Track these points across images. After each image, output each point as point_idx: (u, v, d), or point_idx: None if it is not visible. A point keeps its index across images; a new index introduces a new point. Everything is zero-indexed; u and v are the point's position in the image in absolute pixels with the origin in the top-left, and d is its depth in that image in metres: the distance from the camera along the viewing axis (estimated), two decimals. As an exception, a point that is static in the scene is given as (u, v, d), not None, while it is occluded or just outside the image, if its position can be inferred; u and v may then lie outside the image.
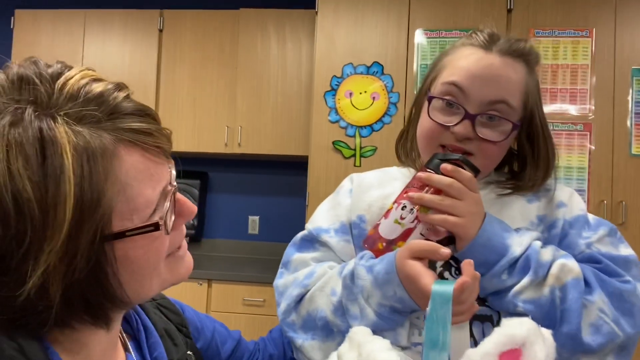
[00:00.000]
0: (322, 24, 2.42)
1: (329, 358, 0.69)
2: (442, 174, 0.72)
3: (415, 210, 0.72)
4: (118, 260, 0.45)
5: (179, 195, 0.53)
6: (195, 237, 3.06)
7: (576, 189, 2.27)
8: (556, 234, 0.76)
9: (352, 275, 0.73)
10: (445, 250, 0.65)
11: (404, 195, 0.74)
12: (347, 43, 2.41)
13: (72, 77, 0.46)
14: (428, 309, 0.57)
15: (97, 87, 0.47)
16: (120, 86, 0.49)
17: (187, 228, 2.48)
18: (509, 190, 0.79)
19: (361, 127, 2.37)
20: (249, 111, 2.78)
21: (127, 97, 0.49)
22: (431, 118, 0.77)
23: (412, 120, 0.87)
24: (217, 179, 3.19)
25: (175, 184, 0.52)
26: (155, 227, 0.46)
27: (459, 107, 0.75)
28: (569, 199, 0.80)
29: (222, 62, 2.81)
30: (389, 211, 0.75)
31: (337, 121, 2.39)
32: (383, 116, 2.36)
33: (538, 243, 0.72)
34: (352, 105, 2.38)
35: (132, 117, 0.47)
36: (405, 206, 0.73)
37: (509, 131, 0.76)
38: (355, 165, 2.37)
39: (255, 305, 2.47)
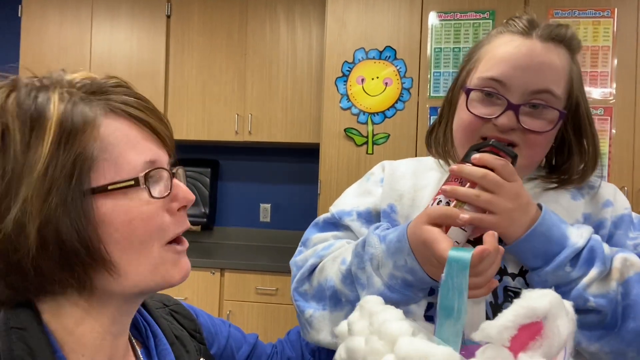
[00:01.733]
0: (333, 8, 2.36)
1: (338, 326, 0.65)
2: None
3: (451, 203, 0.66)
4: (100, 219, 0.47)
5: (176, 181, 0.54)
6: (207, 225, 3.06)
7: (597, 176, 2.21)
8: (604, 235, 0.72)
9: (364, 243, 0.70)
10: (465, 215, 0.60)
11: (439, 191, 0.69)
12: (358, 27, 2.35)
13: (74, 75, 0.52)
14: (443, 275, 0.53)
15: (90, 78, 0.52)
16: (113, 77, 0.53)
17: (199, 216, 2.48)
18: (554, 185, 0.75)
19: (373, 113, 2.32)
20: (259, 98, 2.74)
21: (121, 85, 0.53)
22: (470, 111, 0.72)
23: (443, 116, 0.82)
24: (228, 166, 3.17)
25: (172, 170, 0.54)
26: (136, 182, 0.48)
27: (499, 98, 0.70)
28: (614, 196, 0.76)
29: (231, 48, 2.76)
30: (427, 208, 0.70)
31: (348, 108, 2.34)
32: (396, 102, 2.31)
33: (597, 236, 0.68)
34: (364, 91, 2.33)
35: (122, 95, 0.51)
36: (440, 201, 0.67)
37: (556, 120, 0.71)
38: (367, 153, 2.33)
39: (268, 294, 2.47)
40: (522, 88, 0.70)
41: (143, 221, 0.49)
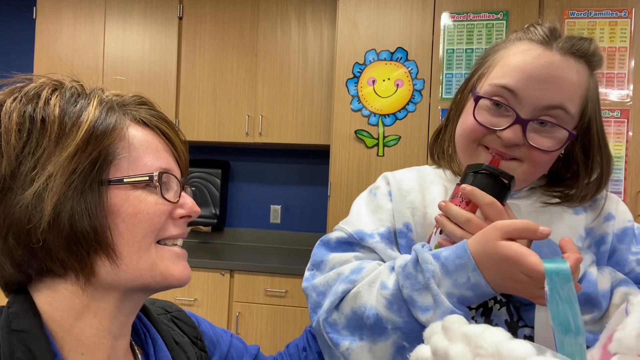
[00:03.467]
0: (344, 9, 2.35)
1: (417, 353, 0.62)
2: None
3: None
4: (111, 208, 0.50)
5: (185, 193, 0.58)
6: (218, 226, 3.06)
7: (612, 179, 2.17)
8: (605, 251, 0.70)
9: (416, 263, 0.65)
10: (545, 229, 0.57)
11: (435, 217, 0.69)
12: (369, 28, 2.33)
13: (107, 92, 0.58)
14: (547, 290, 0.51)
15: (120, 95, 0.58)
16: (139, 96, 0.59)
17: (209, 217, 2.50)
18: (556, 200, 0.72)
19: (384, 115, 2.30)
20: (270, 100, 2.74)
21: (146, 104, 0.59)
22: (477, 119, 0.69)
23: (450, 119, 0.79)
24: (238, 168, 3.17)
25: (184, 185, 0.58)
26: (150, 178, 0.52)
27: (508, 110, 0.67)
28: (616, 209, 0.73)
29: (242, 49, 2.76)
30: (431, 235, 0.70)
31: (359, 109, 2.32)
32: (407, 104, 2.28)
33: (593, 271, 0.65)
34: (375, 92, 2.31)
35: (149, 110, 0.57)
36: (442, 230, 0.68)
37: (564, 140, 0.67)
38: (378, 155, 2.31)
39: (277, 296, 2.46)
40: (534, 102, 0.66)
41: (148, 216, 0.52)
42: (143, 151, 0.54)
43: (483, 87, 0.71)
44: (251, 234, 3.14)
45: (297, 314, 2.44)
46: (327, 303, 0.71)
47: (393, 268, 0.69)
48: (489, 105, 0.69)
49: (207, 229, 3.05)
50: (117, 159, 0.52)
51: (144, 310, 0.63)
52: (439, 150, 0.82)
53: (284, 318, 2.46)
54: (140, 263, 0.52)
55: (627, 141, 2.12)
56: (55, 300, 0.51)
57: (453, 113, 0.79)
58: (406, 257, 0.67)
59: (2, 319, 0.48)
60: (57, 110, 0.51)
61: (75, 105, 0.52)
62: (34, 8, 2.94)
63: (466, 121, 0.73)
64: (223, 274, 2.51)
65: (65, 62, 2.89)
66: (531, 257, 0.56)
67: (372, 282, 0.69)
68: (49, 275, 0.51)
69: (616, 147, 2.13)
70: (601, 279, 0.65)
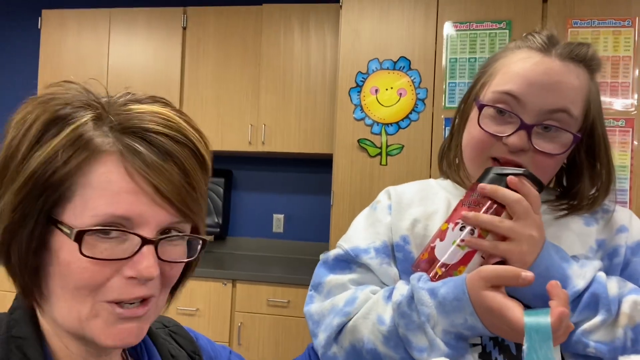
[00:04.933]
0: (347, 18, 2.35)
1: None
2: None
3: (476, 231, 0.65)
4: (50, 246, 0.47)
5: (148, 251, 0.47)
6: (220, 235, 3.05)
7: (618, 189, 2.14)
8: (618, 263, 0.68)
9: (411, 301, 0.65)
10: (528, 275, 0.57)
11: (462, 214, 0.66)
12: (372, 37, 2.33)
13: (138, 105, 0.51)
14: (525, 347, 0.50)
15: (149, 123, 0.49)
16: (167, 119, 0.50)
17: (212, 226, 2.45)
18: (564, 212, 0.72)
19: (387, 124, 2.30)
20: (273, 109, 2.74)
21: (162, 133, 0.48)
22: (482, 127, 0.70)
23: (456, 130, 0.79)
24: (241, 176, 3.17)
25: (158, 239, 0.48)
26: (70, 233, 0.45)
27: (512, 116, 0.68)
28: (630, 222, 0.72)
29: (246, 59, 2.77)
30: (444, 232, 0.67)
31: (362, 119, 2.32)
32: (410, 113, 2.28)
33: (603, 275, 0.64)
34: (378, 102, 2.31)
35: (145, 142, 0.47)
36: (464, 226, 0.66)
37: (569, 143, 0.68)
38: (381, 164, 2.30)
39: (279, 306, 2.44)
40: (537, 106, 0.67)
41: (79, 270, 0.46)
42: (98, 193, 0.45)
43: (486, 96, 0.72)
44: (254, 243, 3.12)
45: (299, 325, 2.42)
46: (323, 336, 0.72)
47: (389, 297, 0.69)
48: (492, 114, 0.70)
49: (210, 238, 3.03)
50: (69, 197, 0.46)
51: None
52: (447, 161, 0.82)
53: (287, 328, 2.44)
54: (70, 313, 0.47)
55: (632, 150, 2.10)
56: (44, 314, 0.51)
57: (458, 123, 0.79)
58: (403, 290, 0.67)
59: (3, 324, 0.49)
60: (24, 145, 0.47)
61: (55, 127, 0.47)
62: (39, 18, 2.96)
63: (472, 131, 0.73)
64: (225, 284, 2.49)
65: (70, 72, 2.90)
66: (512, 310, 0.56)
67: (367, 314, 0.69)
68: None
69: (621, 156, 2.11)
70: (610, 284, 0.64)
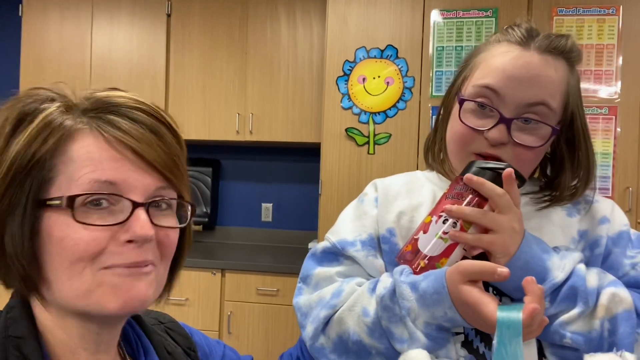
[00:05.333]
0: (334, 6, 2.34)
1: None
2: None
3: (459, 224, 0.66)
4: (42, 230, 0.47)
5: (141, 214, 0.48)
6: (209, 225, 3.05)
7: (600, 176, 2.18)
8: (599, 254, 0.70)
9: (393, 294, 0.67)
10: (504, 270, 0.58)
11: (444, 207, 0.67)
12: (359, 25, 2.32)
13: (117, 92, 0.52)
14: (495, 341, 0.51)
15: (121, 99, 0.51)
16: (135, 99, 0.52)
17: (200, 216, 2.48)
18: (546, 203, 0.73)
19: (375, 113, 2.30)
20: (260, 98, 2.72)
21: (133, 107, 0.50)
22: (463, 122, 0.71)
23: (440, 123, 0.81)
24: (229, 166, 3.16)
25: (148, 202, 0.50)
26: (60, 201, 0.46)
27: (492, 110, 0.69)
28: (611, 212, 0.73)
29: (232, 47, 2.74)
30: (427, 224, 0.69)
31: (350, 107, 2.32)
32: (397, 102, 2.28)
33: (582, 267, 0.66)
34: (366, 90, 2.30)
35: (118, 115, 0.49)
36: (447, 219, 0.67)
37: (548, 136, 0.69)
38: (369, 153, 2.31)
39: (269, 294, 2.46)
40: (516, 100, 0.68)
41: (73, 242, 0.46)
42: (81, 164, 0.47)
43: (467, 90, 0.73)
44: (242, 233, 3.13)
45: (288, 313, 2.44)
46: (310, 328, 0.73)
47: (373, 290, 0.70)
48: (473, 108, 0.71)
49: (198, 227, 3.04)
50: (54, 177, 0.47)
51: (138, 319, 0.62)
52: (431, 154, 0.83)
53: (276, 317, 2.46)
54: (72, 290, 0.47)
55: (615, 138, 2.14)
56: (41, 310, 0.51)
57: (441, 116, 0.81)
58: (386, 283, 0.69)
59: (0, 324, 0.49)
60: (7, 120, 0.49)
61: (26, 119, 0.48)
62: (20, 5, 2.89)
63: (454, 125, 0.74)
64: (214, 273, 2.50)
65: (52, 60, 2.85)
66: (487, 305, 0.57)
67: (352, 306, 0.70)
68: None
69: (604, 143, 2.14)
70: (590, 276, 0.65)
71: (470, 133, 0.71)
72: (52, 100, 0.50)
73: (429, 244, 0.67)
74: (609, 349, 0.62)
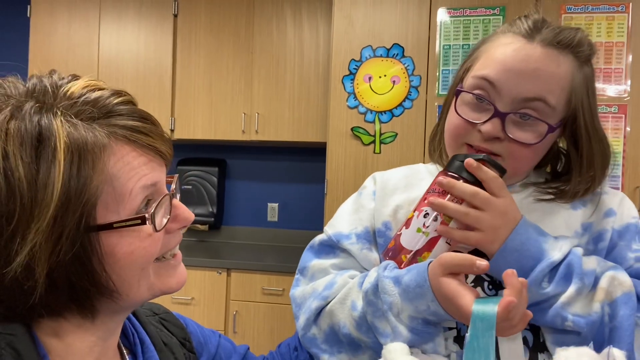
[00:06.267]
0: (340, 5, 2.33)
1: None
2: (464, 178, 0.65)
3: (439, 217, 0.65)
4: (105, 252, 0.46)
5: (176, 201, 0.54)
6: (215, 225, 3.05)
7: (610, 175, 2.15)
8: (603, 248, 0.68)
9: (376, 290, 0.66)
10: (482, 263, 0.57)
11: (425, 202, 0.67)
12: (365, 24, 2.31)
13: (75, 85, 0.50)
14: (468, 335, 0.51)
15: (95, 94, 0.49)
16: (119, 92, 0.51)
17: (206, 216, 2.52)
18: (550, 196, 0.71)
19: (381, 112, 2.29)
20: (266, 97, 2.72)
21: (127, 102, 0.51)
22: (458, 113, 0.70)
23: (442, 115, 0.79)
24: (235, 165, 3.16)
25: (172, 191, 0.54)
26: (142, 220, 0.47)
27: (489, 104, 0.67)
28: (619, 205, 0.71)
29: (238, 46, 2.75)
30: (409, 220, 0.68)
31: (355, 106, 2.31)
32: (404, 101, 2.27)
33: (579, 249, 0.64)
34: (372, 89, 2.29)
35: (126, 117, 0.49)
36: (427, 213, 0.66)
37: (544, 133, 0.67)
38: (375, 152, 2.29)
39: (274, 294, 2.45)
40: (512, 93, 0.66)
41: (144, 250, 0.49)
42: (125, 178, 0.47)
43: (467, 81, 0.72)
44: (248, 232, 3.13)
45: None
46: (303, 319, 0.74)
47: (362, 284, 0.70)
48: (470, 100, 0.70)
49: (204, 227, 3.04)
50: (101, 198, 0.45)
51: (134, 311, 0.63)
52: (432, 146, 0.83)
53: (281, 316, 2.45)
54: (140, 289, 0.51)
55: (624, 137, 2.11)
56: (48, 324, 0.50)
57: (444, 109, 0.79)
58: (371, 278, 0.68)
59: None
60: (20, 166, 0.42)
61: (39, 146, 0.43)
62: (29, 6, 2.92)
63: (450, 117, 0.73)
64: (220, 273, 2.50)
65: (60, 61, 2.87)
66: (464, 297, 0.57)
67: (343, 299, 0.70)
68: (46, 317, 0.49)
69: (614, 142, 2.11)
70: (587, 260, 0.64)
71: (464, 125, 0.69)
72: (40, 112, 0.45)
73: (410, 239, 0.67)
74: (610, 335, 0.61)
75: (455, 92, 0.72)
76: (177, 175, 0.58)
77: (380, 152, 2.29)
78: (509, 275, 0.55)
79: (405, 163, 2.46)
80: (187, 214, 0.54)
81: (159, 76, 2.81)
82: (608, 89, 2.12)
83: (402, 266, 0.67)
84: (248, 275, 2.48)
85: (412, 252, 0.66)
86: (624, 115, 2.11)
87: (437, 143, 0.80)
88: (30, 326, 0.48)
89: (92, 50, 2.87)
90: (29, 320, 0.48)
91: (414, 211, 0.69)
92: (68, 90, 0.48)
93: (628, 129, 2.10)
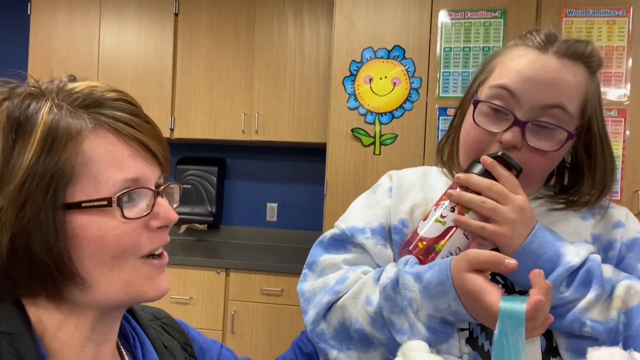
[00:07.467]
0: (341, 6, 2.33)
1: None
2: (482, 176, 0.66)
3: (457, 208, 0.66)
4: (72, 234, 0.47)
5: (161, 200, 0.53)
6: (214, 224, 3.05)
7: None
8: (613, 257, 0.69)
9: (396, 285, 0.66)
10: (512, 262, 0.57)
11: (443, 197, 0.68)
12: (366, 26, 2.31)
13: (79, 83, 0.52)
14: (496, 331, 0.50)
15: (93, 89, 0.51)
16: (117, 90, 0.53)
17: (205, 215, 2.51)
18: (561, 205, 0.72)
19: (381, 113, 2.29)
20: (266, 97, 2.72)
21: (122, 100, 0.52)
22: (477, 124, 0.70)
23: (455, 125, 0.80)
24: (235, 165, 3.16)
25: (161, 190, 0.54)
26: (109, 202, 0.48)
27: (507, 113, 0.68)
28: (626, 218, 0.73)
29: (239, 46, 2.74)
30: (427, 214, 0.69)
31: (356, 108, 2.31)
32: (404, 102, 2.27)
33: (597, 256, 0.65)
34: (372, 91, 2.30)
35: (115, 110, 0.51)
36: (445, 205, 0.67)
37: (563, 141, 0.68)
38: (374, 154, 2.30)
39: (273, 294, 2.45)
40: (531, 102, 0.67)
41: (115, 237, 0.49)
42: (104, 165, 0.48)
43: (483, 92, 0.72)
44: (247, 232, 3.13)
45: (292, 313, 2.44)
46: (312, 313, 0.73)
47: (378, 279, 0.69)
48: (487, 111, 0.70)
49: (203, 226, 3.04)
50: (75, 178, 0.47)
51: (134, 314, 0.63)
52: (440, 155, 0.83)
53: (280, 317, 2.45)
54: (113, 283, 0.50)
55: (624, 140, 2.11)
56: (38, 311, 0.51)
57: (457, 120, 0.80)
58: (390, 273, 0.68)
59: None
60: (1, 133, 0.47)
61: (22, 118, 0.47)
62: (29, 4, 2.91)
63: (467, 127, 0.73)
64: (219, 273, 2.50)
65: (60, 59, 2.86)
66: (490, 294, 0.56)
67: (356, 294, 0.70)
68: (23, 297, 0.50)
69: (613, 146, 2.12)
70: (605, 267, 0.64)
71: (483, 136, 0.70)
72: (34, 96, 0.49)
73: (427, 228, 0.67)
74: (624, 344, 0.61)
75: (473, 102, 0.72)
76: (178, 184, 0.58)
77: (380, 154, 2.29)
78: (536, 275, 0.55)
79: (405, 165, 2.46)
80: (170, 213, 0.53)
81: (159, 75, 2.80)
82: (608, 93, 2.12)
83: (416, 252, 0.67)
84: (247, 275, 2.48)
85: (429, 239, 0.67)
86: (623, 119, 2.11)
87: (448, 154, 0.80)
88: (30, 323, 0.49)
89: (93, 49, 2.87)
90: (6, 297, 0.49)
91: (433, 206, 0.69)
92: (69, 87, 0.51)
93: (628, 132, 2.11)
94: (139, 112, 0.53)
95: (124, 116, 0.51)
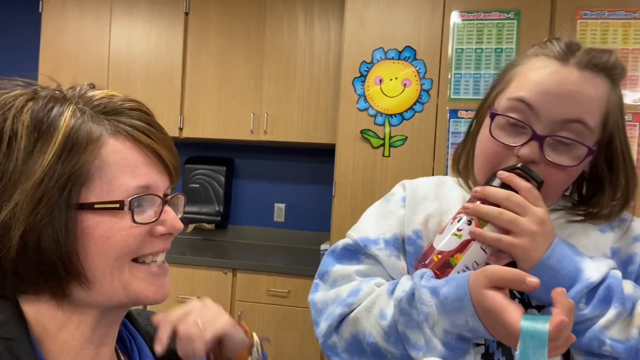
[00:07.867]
0: (352, 6, 2.31)
1: None
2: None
3: (473, 221, 0.64)
4: (81, 232, 0.49)
5: (168, 208, 0.55)
6: (221, 224, 3.05)
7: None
8: (632, 271, 0.67)
9: (411, 298, 0.64)
10: (534, 280, 0.55)
11: (461, 210, 0.66)
12: (377, 26, 2.29)
13: (97, 91, 0.55)
14: (517, 352, 0.49)
15: (112, 98, 0.54)
16: (134, 100, 0.55)
17: (213, 215, 2.51)
18: (580, 218, 0.70)
19: (391, 115, 2.27)
20: (275, 97, 2.71)
21: (138, 110, 0.55)
22: (493, 137, 0.68)
23: (471, 133, 0.78)
24: (243, 165, 3.15)
25: (168, 198, 0.56)
26: (121, 205, 0.50)
27: (525, 127, 0.65)
28: None
29: (249, 46, 2.74)
30: (444, 227, 0.67)
31: (365, 109, 2.29)
32: (414, 104, 2.25)
33: (618, 272, 0.63)
34: (382, 92, 2.27)
35: (133, 118, 0.53)
36: (461, 218, 0.65)
37: (583, 156, 0.66)
38: (384, 155, 2.28)
39: (280, 296, 2.44)
40: (551, 116, 0.65)
41: (122, 239, 0.50)
42: (119, 170, 0.50)
43: (501, 103, 0.70)
44: (255, 232, 3.12)
45: (299, 315, 2.42)
46: (324, 325, 0.72)
47: (392, 292, 0.68)
48: (505, 124, 0.68)
49: (211, 226, 3.04)
50: (90, 180, 0.49)
51: (131, 318, 0.63)
52: (456, 165, 0.81)
53: (287, 318, 2.44)
54: (113, 284, 0.51)
55: (638, 145, 2.07)
56: (39, 311, 0.51)
57: (474, 129, 0.78)
58: (405, 287, 0.66)
59: None
60: (25, 132, 0.48)
61: (45, 119, 0.49)
62: (40, 2, 2.92)
63: (483, 140, 0.71)
64: (225, 273, 2.49)
65: (71, 57, 2.87)
66: (511, 313, 0.54)
67: (370, 307, 0.68)
68: (26, 295, 0.51)
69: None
70: (625, 283, 0.63)
71: (500, 150, 0.68)
72: (57, 99, 0.51)
73: (443, 241, 0.66)
74: None
75: (490, 114, 0.70)
76: (184, 195, 0.60)
77: (389, 156, 2.27)
78: (559, 294, 0.53)
79: (414, 167, 2.43)
80: (176, 222, 0.55)
81: (169, 74, 2.80)
82: (623, 97, 2.08)
83: (432, 266, 0.65)
84: (253, 276, 2.47)
85: (445, 252, 0.65)
86: (638, 123, 2.07)
87: (464, 165, 0.78)
88: (27, 326, 0.49)
89: (103, 47, 2.88)
90: (10, 294, 0.50)
91: (450, 219, 0.68)
92: (90, 94, 0.53)
93: (642, 137, 2.07)
94: (153, 122, 0.55)
95: (141, 125, 0.53)
